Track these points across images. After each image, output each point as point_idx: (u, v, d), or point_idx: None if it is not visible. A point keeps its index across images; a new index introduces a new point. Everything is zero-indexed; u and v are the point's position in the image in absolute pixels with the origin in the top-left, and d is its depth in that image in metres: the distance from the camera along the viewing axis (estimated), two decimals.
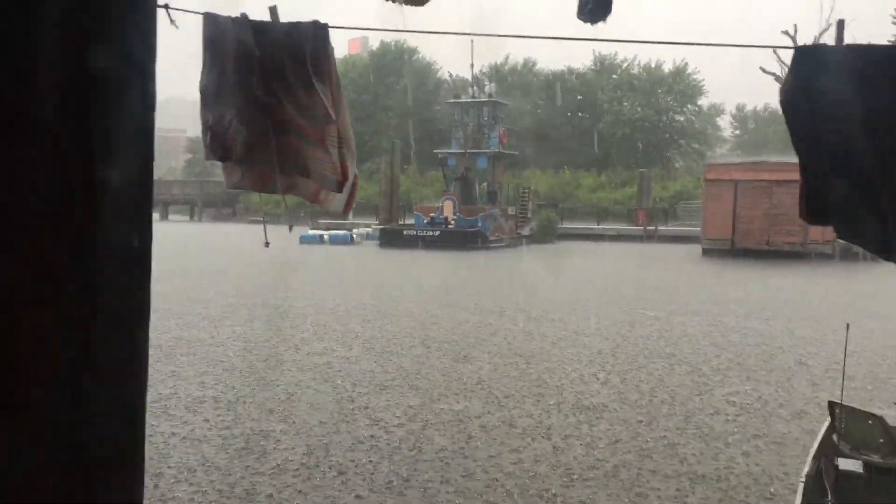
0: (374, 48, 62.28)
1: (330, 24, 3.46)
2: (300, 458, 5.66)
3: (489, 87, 39.06)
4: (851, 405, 4.68)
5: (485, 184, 34.65)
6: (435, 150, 38.11)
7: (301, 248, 26.50)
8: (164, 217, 48.86)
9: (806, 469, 4.21)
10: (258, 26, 3.45)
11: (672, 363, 9.12)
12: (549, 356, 9.39)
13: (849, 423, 4.46)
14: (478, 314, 12.68)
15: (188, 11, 3.32)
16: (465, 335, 10.74)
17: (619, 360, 9.21)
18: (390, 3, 4.28)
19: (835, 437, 4.48)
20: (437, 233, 30.35)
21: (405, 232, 31.18)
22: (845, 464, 4.12)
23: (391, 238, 30.47)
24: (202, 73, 3.56)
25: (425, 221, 31.86)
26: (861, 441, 4.40)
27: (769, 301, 15.17)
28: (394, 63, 58.83)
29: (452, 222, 31.43)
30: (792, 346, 10.34)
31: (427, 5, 4.44)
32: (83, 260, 1.29)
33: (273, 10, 3.46)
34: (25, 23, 1.20)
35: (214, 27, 3.50)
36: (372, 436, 6.18)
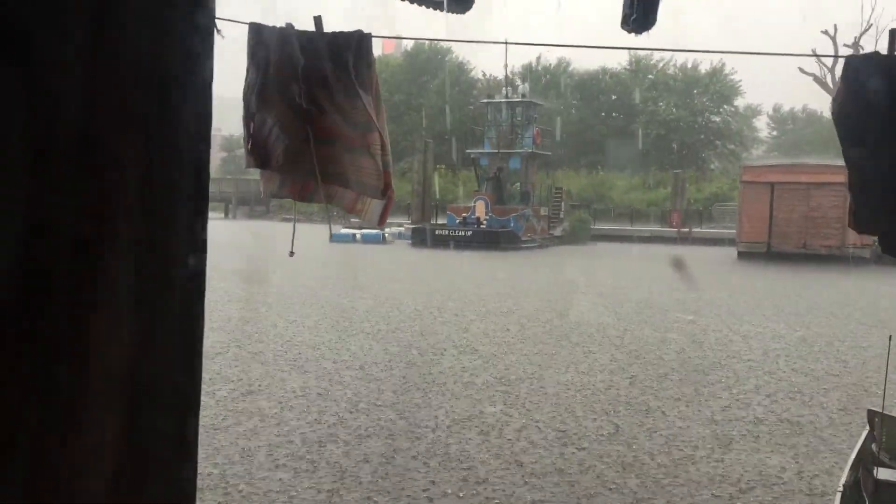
0: (407, 48, 62.42)
1: (373, 34, 3.52)
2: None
3: (522, 86, 38.92)
4: (891, 414, 4.63)
5: (517, 184, 34.60)
6: (468, 150, 38.10)
7: (333, 246, 26.31)
8: None
9: (843, 478, 4.18)
10: (303, 36, 3.51)
11: (710, 368, 9.06)
12: (581, 360, 9.39)
13: (888, 433, 4.42)
14: (509, 316, 12.70)
15: (235, 21, 3.40)
16: (499, 336, 10.78)
17: (653, 365, 9.18)
18: (431, 10, 4.34)
19: (874, 446, 4.44)
20: (470, 233, 30.35)
21: (437, 231, 31.11)
22: (884, 473, 4.08)
23: (423, 237, 30.44)
24: (245, 81, 3.63)
25: (457, 221, 31.89)
26: None
27: (807, 306, 14.99)
28: (427, 63, 58.92)
29: (484, 222, 31.41)
30: (832, 352, 10.22)
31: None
32: (141, 271, 1.33)
33: (317, 20, 3.52)
34: (96, 32, 1.23)
35: (259, 36, 3.57)
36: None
